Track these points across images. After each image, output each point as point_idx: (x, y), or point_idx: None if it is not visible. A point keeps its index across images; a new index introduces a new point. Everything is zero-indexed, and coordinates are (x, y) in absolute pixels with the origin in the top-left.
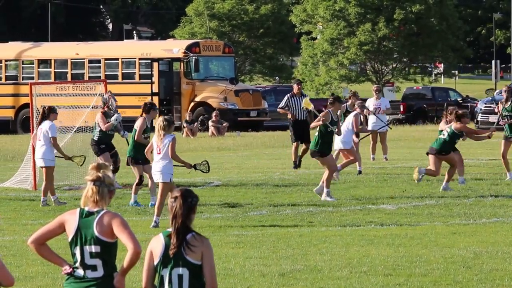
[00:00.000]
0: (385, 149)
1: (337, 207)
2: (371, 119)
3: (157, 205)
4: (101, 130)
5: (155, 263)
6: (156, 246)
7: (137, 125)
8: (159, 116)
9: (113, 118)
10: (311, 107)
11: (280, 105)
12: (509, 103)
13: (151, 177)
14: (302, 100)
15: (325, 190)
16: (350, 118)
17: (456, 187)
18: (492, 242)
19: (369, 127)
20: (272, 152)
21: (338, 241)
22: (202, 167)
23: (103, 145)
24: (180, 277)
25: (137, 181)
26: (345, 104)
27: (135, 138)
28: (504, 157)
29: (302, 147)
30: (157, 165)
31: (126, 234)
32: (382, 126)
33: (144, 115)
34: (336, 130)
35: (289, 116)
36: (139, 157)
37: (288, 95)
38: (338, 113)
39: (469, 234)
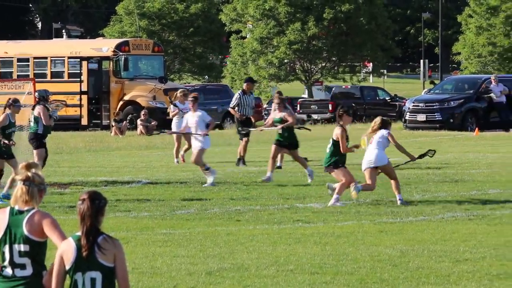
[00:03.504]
0: (183, 149)
1: (265, 206)
2: (178, 122)
3: (366, 187)
4: (43, 124)
5: (67, 267)
6: (67, 250)
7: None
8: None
9: (53, 113)
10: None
11: (231, 104)
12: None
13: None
14: (251, 98)
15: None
16: None
17: (384, 185)
18: (419, 240)
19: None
20: None
21: (265, 239)
22: (429, 154)
23: (44, 139)
24: (93, 280)
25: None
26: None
27: None
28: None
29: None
30: (369, 154)
31: (57, 233)
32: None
33: (6, 110)
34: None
35: (237, 116)
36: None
37: (239, 92)
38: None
39: (396, 233)
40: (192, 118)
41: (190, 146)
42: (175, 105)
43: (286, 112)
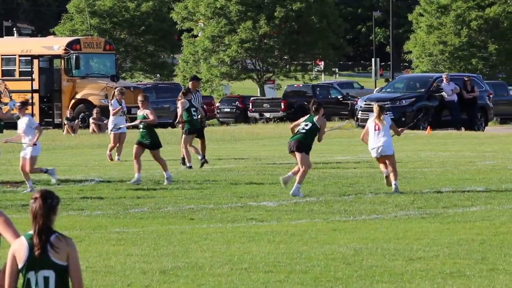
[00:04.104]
0: (119, 150)
1: (218, 204)
2: (115, 120)
3: (394, 173)
4: None
5: (20, 266)
6: (19, 249)
7: None
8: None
9: (10, 103)
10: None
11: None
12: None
13: None
14: (198, 96)
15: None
16: None
17: (337, 183)
18: (372, 239)
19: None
20: None
21: (219, 238)
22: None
23: None
24: (46, 279)
25: None
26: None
27: None
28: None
29: (199, 143)
30: (379, 141)
31: (10, 232)
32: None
33: None
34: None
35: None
36: None
37: None
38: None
39: (349, 231)
40: (20, 124)
41: (115, 145)
42: (111, 104)
43: (148, 110)
